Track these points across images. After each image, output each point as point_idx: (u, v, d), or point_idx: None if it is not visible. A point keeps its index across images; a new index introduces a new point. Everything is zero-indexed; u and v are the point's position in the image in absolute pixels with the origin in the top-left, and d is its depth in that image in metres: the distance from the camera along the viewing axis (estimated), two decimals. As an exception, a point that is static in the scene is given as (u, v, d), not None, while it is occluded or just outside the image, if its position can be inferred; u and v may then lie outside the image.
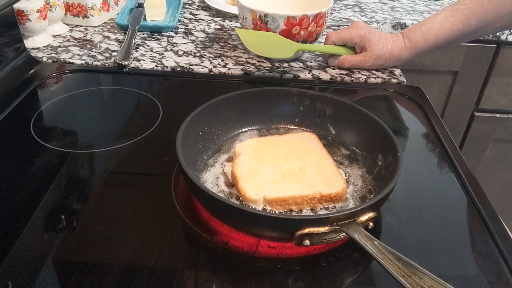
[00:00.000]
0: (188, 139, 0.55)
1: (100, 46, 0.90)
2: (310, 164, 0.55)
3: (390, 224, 0.53)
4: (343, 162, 0.59)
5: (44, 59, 0.85)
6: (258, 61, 0.87)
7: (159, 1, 1.00)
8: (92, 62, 0.84)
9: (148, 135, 0.66)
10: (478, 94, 1.19)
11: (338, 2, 1.23)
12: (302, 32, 0.82)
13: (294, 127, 0.65)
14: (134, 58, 0.86)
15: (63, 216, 0.52)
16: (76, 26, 0.99)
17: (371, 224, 0.46)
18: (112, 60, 0.85)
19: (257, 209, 0.50)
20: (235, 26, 1.02)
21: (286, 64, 0.87)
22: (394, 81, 0.83)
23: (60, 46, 0.90)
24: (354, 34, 0.83)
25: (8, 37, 0.79)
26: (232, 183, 0.54)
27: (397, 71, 0.86)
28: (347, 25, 0.88)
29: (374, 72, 0.86)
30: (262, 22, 0.82)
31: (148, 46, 0.91)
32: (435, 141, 0.68)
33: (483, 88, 1.18)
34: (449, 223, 0.54)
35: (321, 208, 0.51)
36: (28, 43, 0.87)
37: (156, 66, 0.84)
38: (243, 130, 0.64)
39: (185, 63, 0.85)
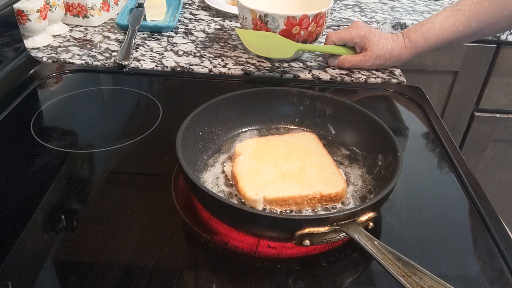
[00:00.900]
0: (188, 139, 0.55)
1: (100, 46, 0.90)
2: (310, 164, 0.55)
3: (390, 224, 0.53)
4: (343, 162, 0.59)
5: (44, 59, 0.85)
6: (258, 61, 0.87)
7: (159, 1, 1.00)
8: (92, 62, 0.84)
9: (148, 135, 0.66)
10: (478, 94, 1.19)
11: (338, 2, 1.23)
12: (302, 32, 0.82)
13: (294, 127, 0.65)
14: (134, 58, 0.86)
15: (63, 216, 0.52)
16: (76, 26, 0.99)
17: (371, 224, 0.46)
18: (112, 60, 0.85)
19: (257, 209, 0.50)
20: (235, 26, 1.02)
21: (286, 64, 0.87)
22: (394, 81, 0.83)
23: (60, 46, 0.90)
24: (354, 34, 0.83)
25: (8, 37, 0.79)
26: (232, 183, 0.54)
27: (397, 71, 0.86)
28: (347, 25, 0.88)
29: (374, 72, 0.86)
30: (262, 22, 0.82)
31: (148, 46, 0.91)
32: (435, 141, 0.68)
33: (483, 88, 1.18)
34: (449, 223, 0.54)
35: (321, 208, 0.51)
36: (28, 43, 0.87)
37: (156, 66, 0.84)
38: (243, 130, 0.64)
39: (185, 63, 0.85)
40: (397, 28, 1.10)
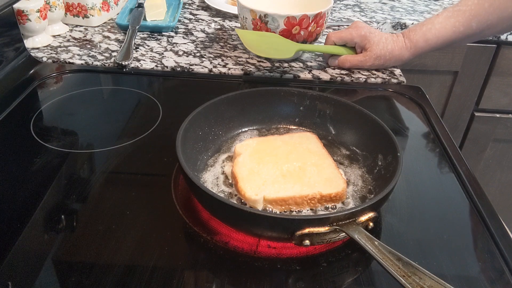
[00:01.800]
0: (188, 139, 0.55)
1: (100, 46, 0.90)
2: (310, 164, 0.55)
3: (390, 224, 0.53)
4: (343, 162, 0.59)
5: (44, 59, 0.85)
6: (258, 61, 0.87)
7: (159, 1, 1.00)
8: (92, 62, 0.84)
9: (148, 135, 0.66)
10: (478, 94, 1.19)
11: (338, 2, 1.23)
12: (302, 32, 0.82)
13: (294, 127, 0.65)
14: (134, 58, 0.86)
15: (63, 216, 0.52)
16: (76, 26, 0.99)
17: (371, 224, 0.46)
18: (112, 60, 0.85)
19: (257, 209, 0.50)
20: (235, 26, 1.02)
21: (286, 64, 0.87)
22: (394, 81, 0.83)
23: (60, 46, 0.90)
24: (355, 34, 0.83)
25: (8, 37, 0.79)
26: (232, 183, 0.54)
27: (397, 71, 0.86)
28: (347, 25, 0.88)
29: (374, 72, 0.86)
30: (262, 22, 0.82)
31: (148, 46, 0.91)
32: (435, 141, 0.68)
33: (483, 88, 1.18)
34: (449, 223, 0.54)
35: (321, 208, 0.51)
36: (28, 43, 0.87)
37: (156, 66, 0.84)
38: (243, 130, 0.64)
39: (185, 63, 0.85)
40: (397, 28, 1.10)
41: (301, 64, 0.88)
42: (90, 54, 0.87)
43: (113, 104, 0.77)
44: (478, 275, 0.47)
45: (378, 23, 1.10)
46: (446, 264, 0.48)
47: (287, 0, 0.93)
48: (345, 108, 0.62)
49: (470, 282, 0.47)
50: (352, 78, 0.84)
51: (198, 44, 0.94)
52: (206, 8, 1.13)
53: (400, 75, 0.85)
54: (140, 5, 1.02)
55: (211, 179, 0.55)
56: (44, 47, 0.89)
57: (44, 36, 0.90)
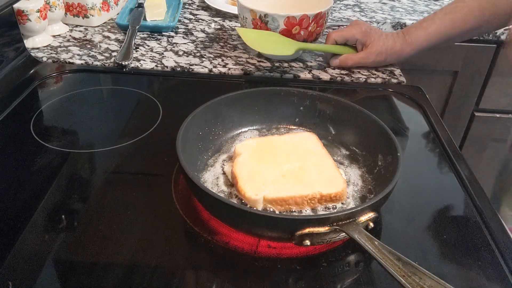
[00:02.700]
0: (188, 139, 0.55)
1: (100, 46, 0.90)
2: (310, 164, 0.55)
3: (390, 224, 0.53)
4: (343, 162, 0.59)
5: (44, 59, 0.85)
6: (258, 61, 0.87)
7: (159, 1, 1.00)
8: (92, 62, 0.84)
9: (148, 135, 0.66)
10: (478, 94, 1.19)
11: (338, 2, 1.23)
12: (302, 32, 0.82)
13: (294, 127, 0.65)
14: (134, 58, 0.86)
15: (63, 216, 0.52)
16: (76, 26, 0.99)
17: (371, 224, 0.46)
18: (112, 60, 0.85)
19: (257, 209, 0.50)
20: (235, 26, 1.02)
21: (286, 64, 0.87)
22: (394, 81, 0.83)
23: (60, 46, 0.90)
24: (355, 30, 0.83)
25: (8, 37, 0.79)
26: (232, 183, 0.54)
27: (397, 71, 0.86)
28: (347, 25, 0.88)
29: (374, 72, 0.86)
30: (262, 22, 0.82)
31: (148, 46, 0.91)
32: (435, 141, 0.68)
33: (483, 88, 1.18)
34: (449, 223, 0.54)
35: (321, 208, 0.51)
36: (28, 43, 0.87)
37: (156, 66, 0.84)
38: (243, 130, 0.64)
39: (185, 63, 0.85)
40: (397, 28, 1.10)
41: (301, 64, 0.88)
42: (90, 54, 0.87)
43: (113, 104, 0.77)
44: (478, 275, 0.47)
45: (378, 23, 1.10)
46: (446, 264, 0.48)
47: (287, 0, 0.93)
48: (345, 108, 0.62)
49: (470, 282, 0.47)
50: (352, 78, 0.84)
51: (198, 44, 0.94)
52: (206, 8, 1.13)
53: (400, 75, 0.85)
54: (140, 5, 1.02)
55: (211, 179, 0.55)
56: (44, 47, 0.89)
57: (44, 36, 0.90)
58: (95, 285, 0.43)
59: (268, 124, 0.65)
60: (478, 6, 0.78)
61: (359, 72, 0.85)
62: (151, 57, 0.87)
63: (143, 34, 0.97)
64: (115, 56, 0.86)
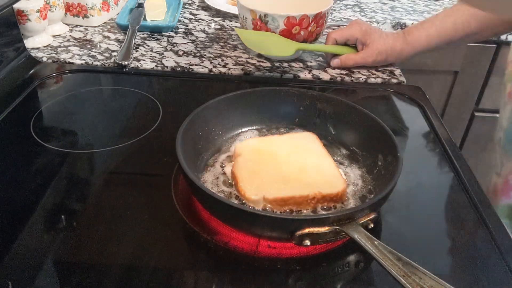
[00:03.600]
0: (188, 139, 0.55)
1: (100, 46, 0.90)
2: (310, 164, 0.55)
3: (390, 224, 0.53)
4: (343, 162, 0.59)
5: (44, 59, 0.85)
6: (258, 61, 0.87)
7: (159, 1, 1.00)
8: (92, 62, 0.84)
9: (148, 135, 0.66)
10: (478, 94, 1.19)
11: (338, 2, 1.23)
12: (302, 32, 0.82)
13: (294, 127, 0.65)
14: (134, 58, 0.86)
15: (63, 216, 0.52)
16: (76, 26, 0.99)
17: (371, 224, 0.46)
18: (112, 60, 0.85)
19: (257, 209, 0.50)
20: (235, 26, 1.02)
21: (286, 64, 0.87)
22: (394, 81, 0.83)
23: (60, 46, 0.90)
24: (355, 30, 0.83)
25: (8, 37, 0.79)
26: (232, 183, 0.54)
27: (397, 71, 0.86)
28: (347, 25, 0.88)
29: (374, 72, 0.86)
30: (262, 22, 0.82)
31: (148, 46, 0.91)
32: (435, 141, 0.68)
33: (483, 88, 1.18)
34: (449, 223, 0.54)
35: (321, 208, 0.51)
36: (28, 43, 0.87)
37: (156, 66, 0.84)
38: (243, 130, 0.64)
39: (185, 63, 0.85)
40: (397, 28, 1.10)
41: (301, 64, 0.88)
42: (90, 54, 0.87)
43: (113, 104, 0.77)
44: (478, 275, 0.47)
45: (378, 23, 1.10)
46: (446, 264, 0.48)
47: (287, 0, 0.93)
48: (345, 108, 0.62)
49: (470, 282, 0.47)
50: (352, 78, 0.84)
51: (198, 44, 0.94)
52: (206, 8, 1.13)
53: (400, 75, 0.85)
54: (140, 5, 1.02)
55: (211, 179, 0.55)
56: (44, 47, 0.89)
57: (44, 36, 0.90)
58: (95, 285, 0.43)
59: (268, 124, 0.65)
60: (480, 11, 0.77)
61: (359, 72, 0.85)
62: (151, 57, 0.87)
63: (143, 34, 0.97)
64: (115, 56, 0.86)
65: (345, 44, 0.86)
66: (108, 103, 0.77)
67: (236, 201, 0.51)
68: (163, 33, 0.97)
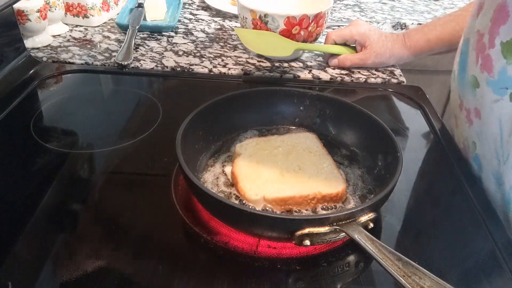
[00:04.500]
0: (188, 139, 0.55)
1: (100, 46, 0.90)
2: (310, 164, 0.55)
3: (390, 224, 0.53)
4: (343, 162, 0.59)
5: (44, 59, 0.85)
6: (258, 61, 0.87)
7: (159, 1, 1.00)
8: (92, 62, 0.84)
9: (148, 135, 0.66)
10: (478, 94, 1.19)
11: (338, 2, 1.23)
12: (302, 32, 0.82)
13: (294, 127, 0.65)
14: (134, 58, 0.86)
15: (63, 216, 0.52)
16: (76, 26, 0.99)
17: (371, 224, 0.46)
18: (112, 60, 0.85)
19: (257, 209, 0.50)
20: (235, 26, 1.02)
21: (286, 64, 0.87)
22: (394, 81, 0.83)
23: (60, 46, 0.90)
24: (354, 31, 0.83)
25: (8, 37, 0.79)
26: (232, 183, 0.54)
27: (397, 71, 0.86)
28: (347, 25, 0.88)
29: (374, 72, 0.86)
30: (262, 22, 0.82)
31: (148, 46, 0.91)
32: (435, 141, 0.68)
33: (483, 88, 1.18)
34: (449, 223, 0.54)
35: (321, 208, 0.51)
36: (28, 43, 0.87)
37: (156, 66, 0.84)
38: (243, 130, 0.64)
39: (185, 63, 0.85)
40: (397, 28, 1.10)
41: (301, 64, 0.88)
42: (90, 54, 0.87)
43: (113, 104, 0.77)
44: (478, 275, 0.47)
45: (378, 23, 1.10)
46: (446, 264, 0.48)
47: (287, 0, 0.93)
48: (345, 108, 0.62)
49: (470, 282, 0.47)
50: (352, 78, 0.84)
51: (198, 44, 0.94)
52: (206, 8, 1.13)
53: (400, 75, 0.85)
54: (140, 5, 1.02)
55: (211, 179, 0.55)
56: (44, 47, 0.89)
57: (44, 36, 0.90)
58: (95, 285, 0.43)
59: (268, 124, 0.65)
60: None
61: (359, 72, 0.85)
62: (151, 57, 0.87)
63: (143, 34, 0.97)
64: (115, 56, 0.86)
65: (345, 44, 0.86)
66: (108, 103, 0.77)
67: (236, 201, 0.51)
68: (163, 33, 0.97)
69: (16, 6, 0.82)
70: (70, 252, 0.47)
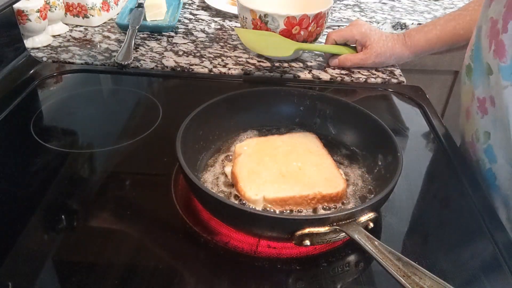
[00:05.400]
0: (188, 139, 0.55)
1: (100, 46, 0.90)
2: (310, 164, 0.55)
3: (390, 224, 0.53)
4: (343, 162, 0.59)
5: (44, 59, 0.85)
6: (258, 61, 0.87)
7: (159, 1, 1.00)
8: (92, 62, 0.84)
9: (148, 135, 0.66)
10: (478, 94, 1.19)
11: (338, 2, 1.23)
12: (302, 32, 0.82)
13: (294, 127, 0.65)
14: (134, 58, 0.86)
15: (63, 216, 0.52)
16: (76, 26, 0.99)
17: (371, 224, 0.46)
18: (112, 60, 0.85)
19: (257, 209, 0.50)
20: (235, 26, 1.02)
21: (286, 64, 0.87)
22: (394, 81, 0.83)
23: (60, 46, 0.90)
24: (355, 31, 0.83)
25: (8, 37, 0.79)
26: (232, 183, 0.54)
27: (397, 71, 0.86)
28: (347, 25, 0.88)
29: (374, 72, 0.86)
30: (262, 22, 0.82)
31: (148, 46, 0.91)
32: (435, 141, 0.68)
33: (483, 88, 1.18)
34: (449, 223, 0.54)
35: (321, 208, 0.51)
36: (28, 43, 0.87)
37: (156, 66, 0.84)
38: (243, 130, 0.64)
39: (185, 63, 0.85)
40: (397, 28, 1.10)
41: (301, 64, 0.88)
42: (90, 54, 0.87)
43: (113, 104, 0.77)
44: (478, 275, 0.47)
45: (378, 23, 1.10)
46: (446, 264, 0.48)
47: (287, 0, 0.93)
48: (345, 108, 0.62)
49: (470, 282, 0.47)
50: (352, 78, 0.84)
51: (198, 44, 0.94)
52: (206, 8, 1.13)
53: (400, 75, 0.85)
54: (140, 5, 1.02)
55: (211, 179, 0.55)
56: (44, 47, 0.89)
57: (44, 36, 0.90)
58: (95, 285, 0.43)
59: (268, 124, 0.65)
60: None
61: (359, 72, 0.85)
62: (151, 57, 0.87)
63: (143, 34, 0.97)
64: (115, 56, 0.86)
65: (345, 44, 0.86)
66: (108, 103, 0.77)
67: (236, 201, 0.51)
68: (163, 33, 0.97)
69: (16, 6, 0.82)
70: (70, 252, 0.47)
